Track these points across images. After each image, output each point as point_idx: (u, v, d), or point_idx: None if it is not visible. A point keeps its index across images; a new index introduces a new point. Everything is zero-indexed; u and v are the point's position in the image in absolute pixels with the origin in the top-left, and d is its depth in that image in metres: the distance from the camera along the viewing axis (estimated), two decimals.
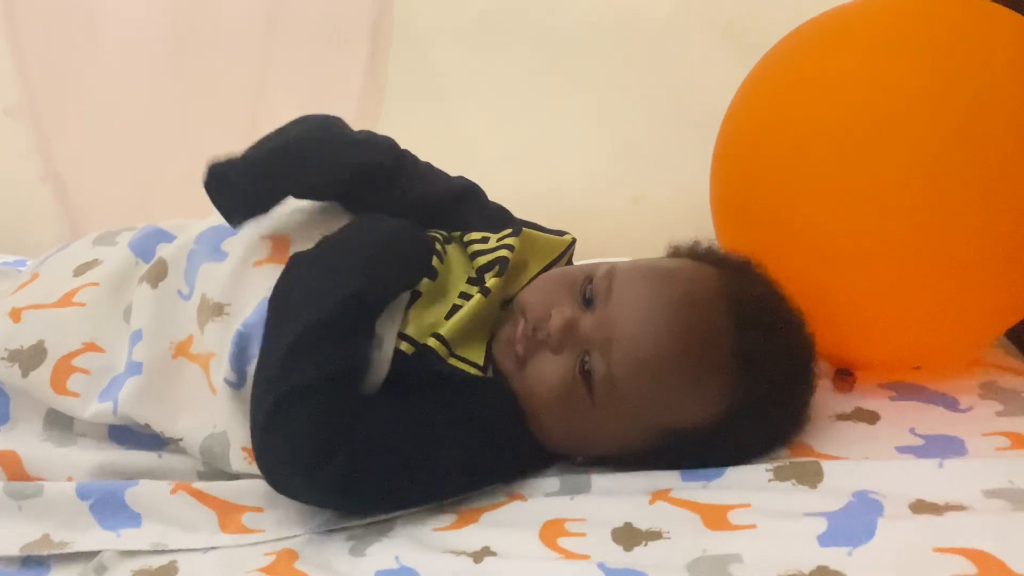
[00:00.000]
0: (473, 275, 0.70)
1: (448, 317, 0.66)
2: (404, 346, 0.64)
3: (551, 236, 0.75)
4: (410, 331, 0.65)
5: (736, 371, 0.62)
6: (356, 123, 1.29)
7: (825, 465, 0.63)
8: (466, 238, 0.73)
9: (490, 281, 0.67)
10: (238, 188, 0.69)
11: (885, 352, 0.76)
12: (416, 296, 0.67)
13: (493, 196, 0.82)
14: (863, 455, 0.65)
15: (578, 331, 0.63)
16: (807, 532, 0.55)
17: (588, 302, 0.64)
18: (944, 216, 0.67)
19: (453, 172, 0.81)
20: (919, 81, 0.68)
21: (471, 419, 0.63)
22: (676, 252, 0.73)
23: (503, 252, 0.70)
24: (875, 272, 0.69)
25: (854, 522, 0.56)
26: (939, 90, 0.68)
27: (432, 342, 0.64)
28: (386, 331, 0.64)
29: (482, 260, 0.70)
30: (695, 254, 0.71)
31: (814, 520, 0.56)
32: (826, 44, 0.76)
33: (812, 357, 0.67)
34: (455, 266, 0.71)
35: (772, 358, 0.63)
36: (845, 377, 0.78)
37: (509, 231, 0.72)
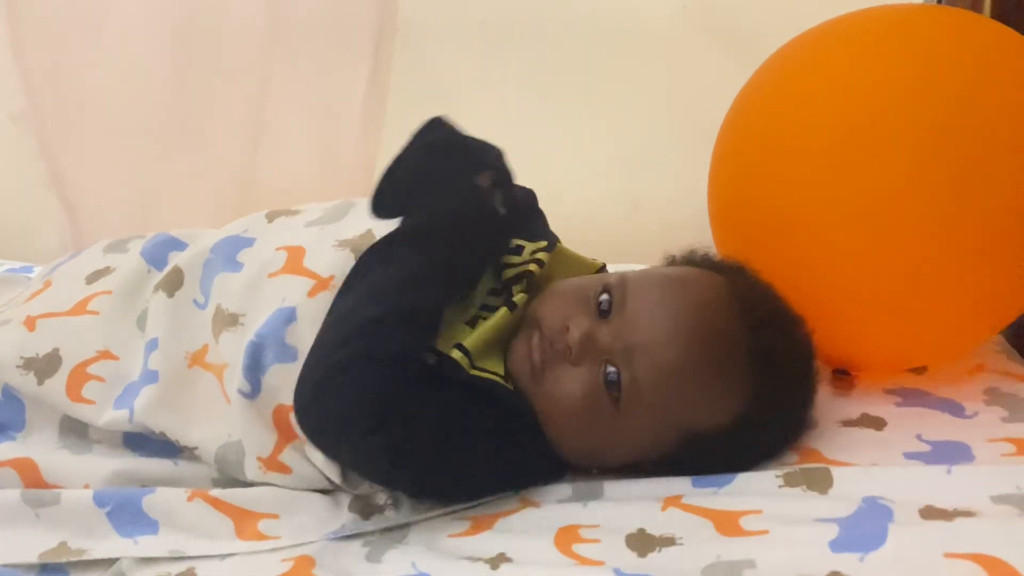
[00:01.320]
0: (496, 286, 0.70)
1: (469, 325, 0.66)
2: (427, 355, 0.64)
3: (582, 258, 0.75)
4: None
5: (753, 369, 0.63)
6: (359, 127, 1.31)
7: (834, 471, 0.64)
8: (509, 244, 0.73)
9: (517, 296, 0.68)
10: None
11: (884, 352, 0.77)
12: None
13: None
14: (871, 461, 0.66)
15: (597, 342, 0.63)
16: (819, 538, 0.56)
17: (603, 312, 0.65)
18: (938, 215, 0.68)
19: None
20: (912, 87, 0.70)
21: (494, 425, 0.64)
22: (673, 261, 0.74)
23: (532, 267, 0.70)
24: (871, 272, 0.70)
25: (865, 528, 0.56)
26: (933, 94, 0.69)
27: (455, 353, 0.64)
28: None
29: (511, 272, 0.70)
30: (693, 261, 0.72)
31: (825, 526, 0.57)
32: (823, 52, 0.77)
33: (814, 354, 0.69)
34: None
35: (785, 355, 0.65)
36: (843, 377, 0.79)
37: (544, 244, 0.73)
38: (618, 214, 1.33)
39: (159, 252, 0.77)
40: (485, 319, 0.66)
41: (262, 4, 1.25)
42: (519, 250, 0.73)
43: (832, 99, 0.72)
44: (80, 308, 0.73)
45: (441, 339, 0.65)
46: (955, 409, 0.74)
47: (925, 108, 0.69)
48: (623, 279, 0.66)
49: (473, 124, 1.32)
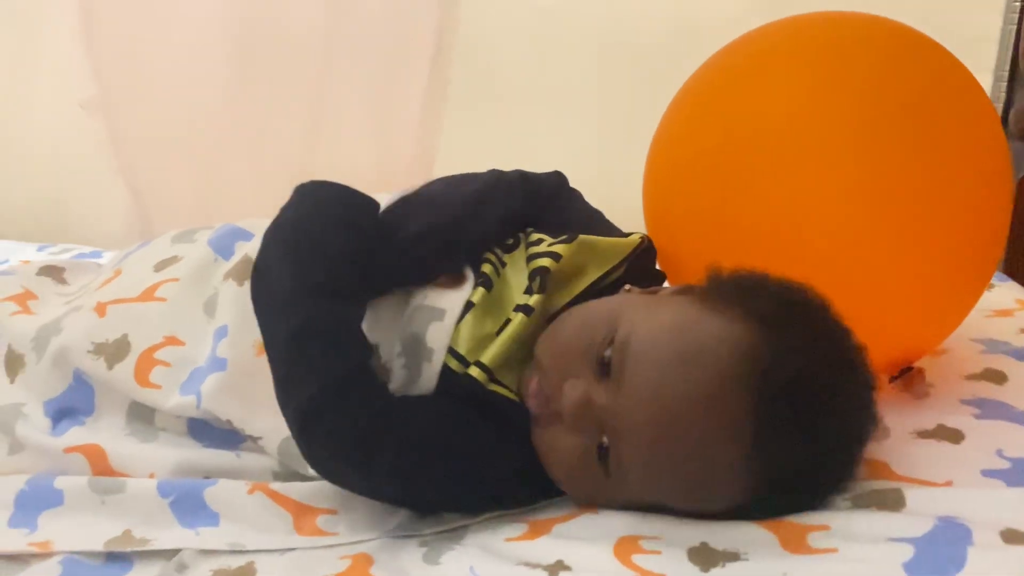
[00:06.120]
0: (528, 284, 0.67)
1: (500, 331, 0.65)
2: (454, 364, 0.64)
3: (614, 240, 0.71)
4: (461, 345, 0.64)
5: (756, 468, 0.57)
6: (419, 122, 1.31)
7: (907, 492, 0.61)
8: (530, 239, 0.71)
9: (532, 299, 0.65)
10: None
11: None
12: (470, 306, 0.66)
13: None
14: (946, 478, 0.64)
15: (592, 410, 0.59)
16: (892, 559, 0.54)
17: (606, 366, 0.59)
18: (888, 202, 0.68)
19: None
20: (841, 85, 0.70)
21: (511, 441, 0.63)
22: (715, 283, 0.63)
23: (545, 262, 0.66)
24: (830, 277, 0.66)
25: (943, 550, 0.54)
26: (864, 95, 0.69)
27: (473, 370, 0.63)
28: (437, 344, 0.64)
29: (533, 264, 0.67)
30: (735, 290, 0.61)
31: (899, 546, 0.55)
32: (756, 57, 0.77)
33: (862, 403, 0.60)
34: (514, 274, 0.69)
35: (798, 454, 0.57)
36: (905, 374, 0.76)
37: (564, 237, 0.69)
38: None
39: (226, 242, 0.78)
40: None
41: (324, 1, 1.26)
42: (539, 243, 0.69)
43: (768, 99, 0.72)
44: (148, 295, 0.75)
45: (473, 345, 0.64)
46: None
47: (850, 113, 0.69)
48: (629, 333, 0.58)
49: (531, 122, 1.32)
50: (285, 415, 0.60)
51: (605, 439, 0.59)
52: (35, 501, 0.65)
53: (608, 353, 0.59)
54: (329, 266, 0.62)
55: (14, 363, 0.74)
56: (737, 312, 0.58)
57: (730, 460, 0.56)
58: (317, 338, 0.60)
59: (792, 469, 0.57)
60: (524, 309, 0.65)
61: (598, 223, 0.78)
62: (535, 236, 0.70)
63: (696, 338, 0.58)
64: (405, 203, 0.71)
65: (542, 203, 0.75)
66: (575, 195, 0.80)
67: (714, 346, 0.57)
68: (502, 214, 0.71)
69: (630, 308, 0.62)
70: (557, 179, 0.79)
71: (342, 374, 0.59)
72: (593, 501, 0.62)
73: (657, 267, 0.77)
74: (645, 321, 0.59)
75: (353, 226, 0.65)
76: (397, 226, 0.67)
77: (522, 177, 0.76)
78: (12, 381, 0.73)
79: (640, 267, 0.73)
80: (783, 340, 0.57)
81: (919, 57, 0.74)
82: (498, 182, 0.74)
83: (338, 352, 0.60)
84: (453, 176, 0.75)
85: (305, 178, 1.34)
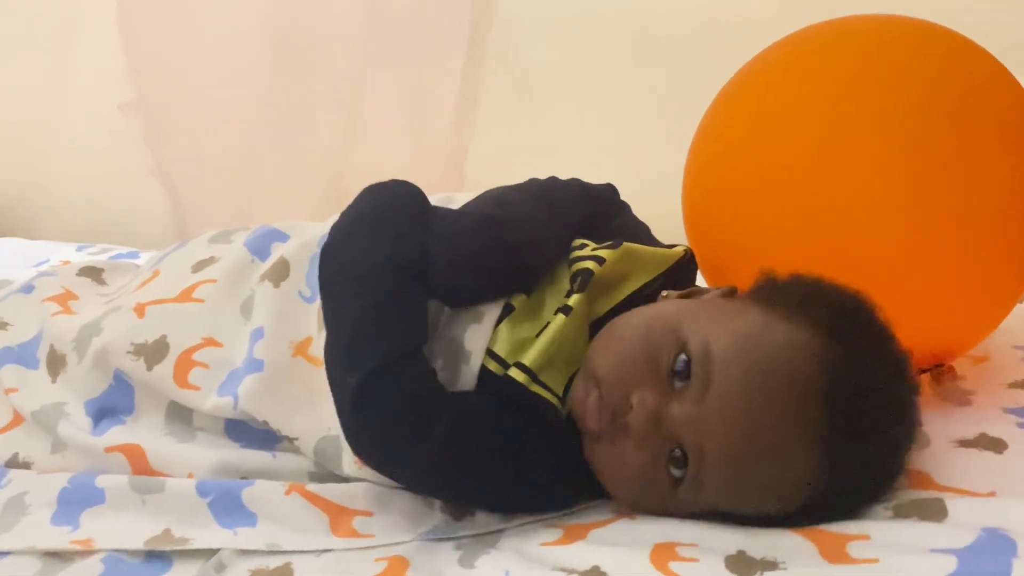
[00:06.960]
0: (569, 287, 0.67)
1: (540, 334, 0.64)
2: (493, 366, 0.63)
3: (658, 250, 0.72)
4: (500, 348, 0.64)
5: (826, 474, 0.58)
6: (452, 121, 1.31)
7: (949, 502, 0.60)
8: (573, 244, 0.71)
9: (572, 299, 0.64)
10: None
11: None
12: (509, 310, 0.65)
13: None
14: (989, 488, 0.62)
15: (664, 422, 0.58)
16: (935, 570, 0.53)
17: (680, 375, 0.58)
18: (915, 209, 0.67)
19: (546, 174, 0.80)
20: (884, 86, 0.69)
21: (550, 443, 0.62)
22: (771, 287, 0.64)
23: (589, 264, 0.66)
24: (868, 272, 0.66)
25: (986, 562, 0.53)
26: (904, 92, 0.69)
27: (514, 372, 0.63)
28: (475, 346, 0.64)
29: (576, 267, 0.67)
30: (796, 297, 0.62)
31: (941, 557, 0.54)
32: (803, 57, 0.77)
33: (909, 434, 0.62)
34: (555, 280, 0.68)
35: (863, 459, 0.59)
36: (940, 372, 0.75)
37: (609, 243, 0.69)
38: None
39: (262, 243, 0.78)
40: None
41: (359, 3, 1.27)
42: (583, 247, 0.69)
43: (812, 101, 0.71)
44: (186, 295, 0.75)
45: (511, 348, 0.64)
46: None
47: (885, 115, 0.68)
48: (707, 343, 0.58)
49: (567, 121, 1.32)
50: (341, 387, 0.61)
51: (678, 450, 0.58)
52: (77, 499, 0.66)
53: (682, 361, 0.58)
54: (409, 246, 0.64)
55: (56, 363, 0.75)
56: (802, 319, 0.59)
57: (804, 467, 0.57)
58: (392, 309, 0.61)
59: (857, 474, 0.58)
60: (564, 309, 0.64)
61: (644, 236, 0.78)
62: (579, 242, 0.70)
63: (773, 348, 0.58)
64: (474, 222, 0.68)
65: (597, 216, 0.76)
66: (625, 206, 0.81)
67: (790, 355, 0.58)
68: (568, 234, 0.71)
69: (689, 315, 0.61)
70: (611, 191, 0.81)
71: (409, 349, 0.61)
72: (655, 512, 0.62)
73: (697, 282, 0.76)
74: (719, 329, 0.59)
75: (423, 224, 0.66)
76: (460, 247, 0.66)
77: (583, 189, 0.77)
78: (54, 381, 0.75)
79: (679, 279, 0.72)
80: (848, 348, 0.59)
81: (959, 60, 0.73)
82: (561, 200, 0.73)
83: (409, 326, 0.61)
84: (515, 192, 0.73)
85: (340, 179, 1.36)
